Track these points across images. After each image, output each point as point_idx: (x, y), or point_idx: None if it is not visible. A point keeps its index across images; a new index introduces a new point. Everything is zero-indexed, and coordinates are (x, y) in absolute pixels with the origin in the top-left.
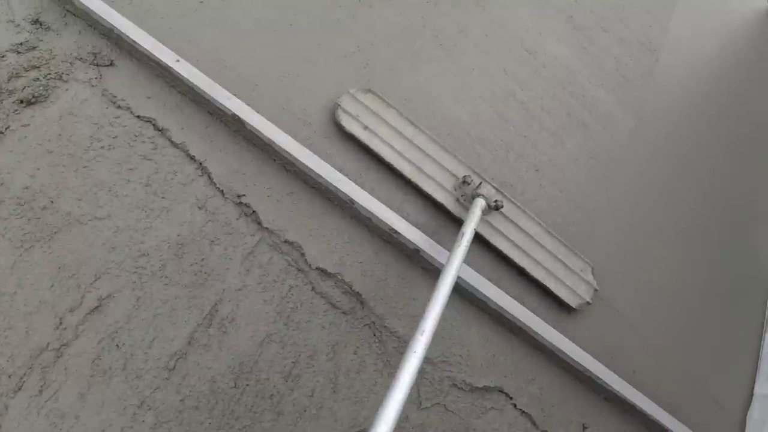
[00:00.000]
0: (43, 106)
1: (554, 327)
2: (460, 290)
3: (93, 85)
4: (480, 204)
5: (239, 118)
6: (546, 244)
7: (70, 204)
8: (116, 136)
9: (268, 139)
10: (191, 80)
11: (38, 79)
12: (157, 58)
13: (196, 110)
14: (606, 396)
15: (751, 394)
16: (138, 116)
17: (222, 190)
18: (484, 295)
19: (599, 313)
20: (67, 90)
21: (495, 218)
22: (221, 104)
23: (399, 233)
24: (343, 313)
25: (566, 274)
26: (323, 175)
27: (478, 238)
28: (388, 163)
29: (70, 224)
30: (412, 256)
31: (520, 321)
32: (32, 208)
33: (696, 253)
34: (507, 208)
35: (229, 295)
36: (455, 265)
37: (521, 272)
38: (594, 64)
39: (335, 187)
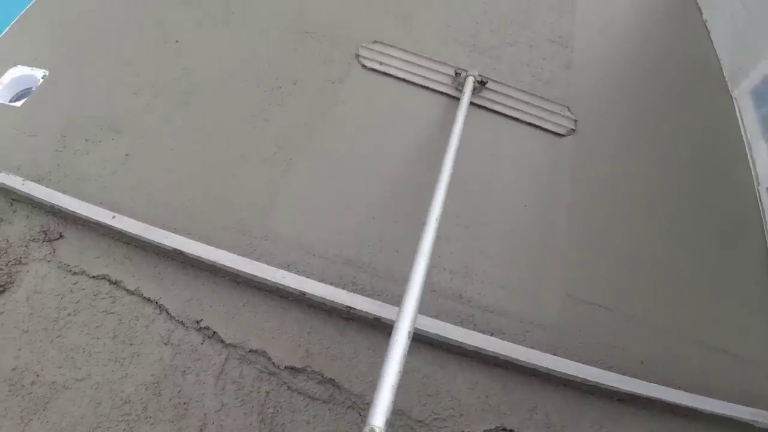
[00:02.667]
0: (11, 292)
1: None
2: (435, 343)
3: (49, 261)
4: (470, 81)
5: (180, 251)
6: (527, 100)
7: (53, 373)
8: (78, 301)
9: (211, 261)
10: (129, 231)
11: (1, 268)
12: (96, 220)
13: (143, 255)
14: (618, 398)
15: None
16: (93, 276)
17: (182, 321)
18: (458, 340)
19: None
20: (28, 272)
21: (485, 93)
22: (161, 243)
23: (355, 309)
24: (324, 402)
25: (549, 114)
26: (270, 278)
27: (477, 107)
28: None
29: (57, 391)
30: (375, 325)
31: (501, 354)
32: (23, 385)
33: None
34: (491, 84)
35: (211, 418)
36: (459, 125)
37: (515, 119)
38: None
39: (283, 285)
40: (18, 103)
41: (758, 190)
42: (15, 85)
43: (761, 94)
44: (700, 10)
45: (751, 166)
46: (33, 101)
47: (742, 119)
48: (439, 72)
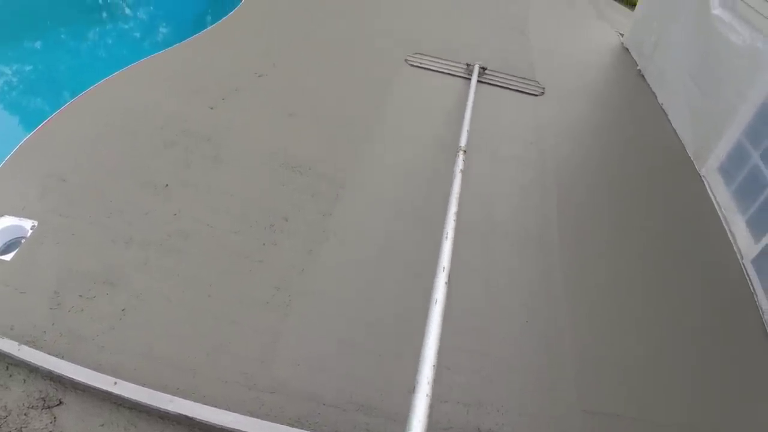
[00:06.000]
0: None
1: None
2: None
3: (50, 431)
4: (477, 67)
5: (186, 416)
6: (512, 75)
7: None
8: None
9: (219, 425)
10: (132, 397)
11: None
12: (97, 387)
13: (147, 420)
14: None
15: None
16: None
17: None
18: None
19: None
20: None
21: (485, 77)
22: (166, 410)
23: None
24: None
25: (527, 85)
26: None
27: (483, 83)
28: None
29: None
30: None
31: None
32: None
33: None
34: (488, 70)
35: None
36: (472, 93)
37: (506, 88)
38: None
39: None
40: (7, 256)
41: (743, 264)
42: (3, 236)
43: (729, 170)
44: (654, 95)
45: (732, 241)
46: (23, 254)
47: (714, 196)
48: (456, 65)
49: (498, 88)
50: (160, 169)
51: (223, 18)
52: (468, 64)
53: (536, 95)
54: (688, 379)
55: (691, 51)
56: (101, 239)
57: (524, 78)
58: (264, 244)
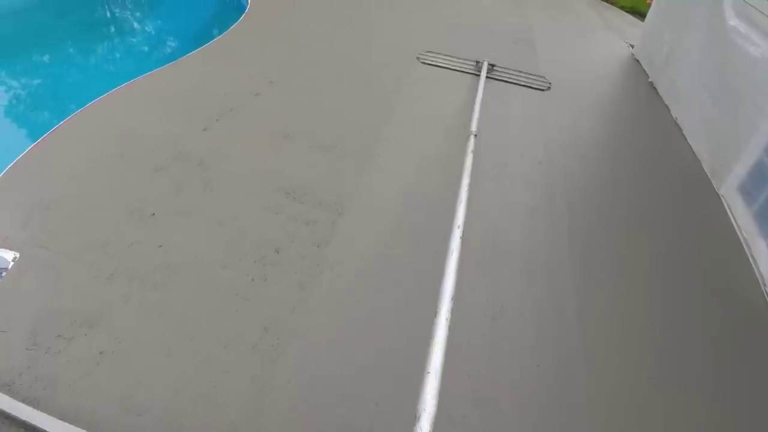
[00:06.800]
0: None
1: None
2: None
3: None
4: (485, 65)
5: None
6: (520, 71)
7: None
8: None
9: None
10: None
11: None
12: None
13: None
14: None
15: None
16: None
17: None
18: None
19: None
20: None
21: (494, 73)
22: None
23: None
24: None
25: (535, 80)
26: None
27: (493, 79)
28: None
29: None
30: None
31: None
32: None
33: None
34: (497, 67)
35: None
36: (481, 86)
37: (515, 84)
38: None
39: None
40: None
41: (766, 292)
42: None
43: (749, 190)
44: (668, 108)
45: (754, 267)
46: (2, 289)
47: (734, 218)
48: (467, 62)
49: (506, 84)
50: (148, 197)
51: (220, 35)
52: (477, 62)
53: (543, 90)
54: (707, 412)
55: (705, 63)
56: (83, 274)
57: (531, 74)
58: (253, 279)
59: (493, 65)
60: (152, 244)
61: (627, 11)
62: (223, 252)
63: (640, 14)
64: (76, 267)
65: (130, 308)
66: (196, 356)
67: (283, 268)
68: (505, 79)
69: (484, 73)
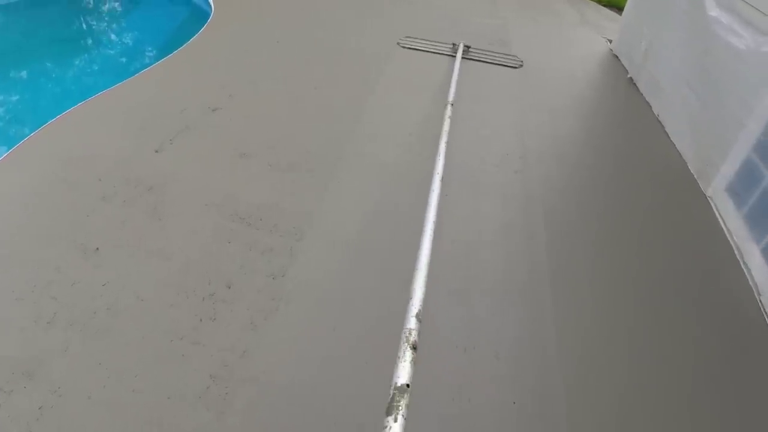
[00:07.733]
0: None
1: None
2: None
3: None
4: (461, 46)
5: None
6: (493, 51)
7: None
8: None
9: None
10: None
11: None
12: None
13: None
14: None
15: None
16: None
17: None
18: None
19: None
20: None
21: (470, 54)
22: None
23: None
24: None
25: (508, 59)
26: None
27: (468, 59)
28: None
29: None
30: None
31: None
32: None
33: None
34: (472, 49)
35: None
36: (457, 65)
37: (487, 63)
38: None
39: None
40: None
41: (761, 302)
42: None
43: (739, 191)
44: (648, 105)
45: (746, 274)
46: None
47: (723, 221)
48: (444, 45)
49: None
50: (93, 229)
51: (179, 48)
52: (454, 44)
53: (515, 67)
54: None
55: (686, 57)
56: (24, 318)
57: (506, 54)
58: (201, 319)
59: (468, 47)
60: (95, 283)
61: (604, 5)
62: (169, 290)
63: (619, 8)
64: (18, 310)
65: (69, 357)
66: (136, 413)
67: (234, 306)
68: (480, 58)
69: (459, 54)
